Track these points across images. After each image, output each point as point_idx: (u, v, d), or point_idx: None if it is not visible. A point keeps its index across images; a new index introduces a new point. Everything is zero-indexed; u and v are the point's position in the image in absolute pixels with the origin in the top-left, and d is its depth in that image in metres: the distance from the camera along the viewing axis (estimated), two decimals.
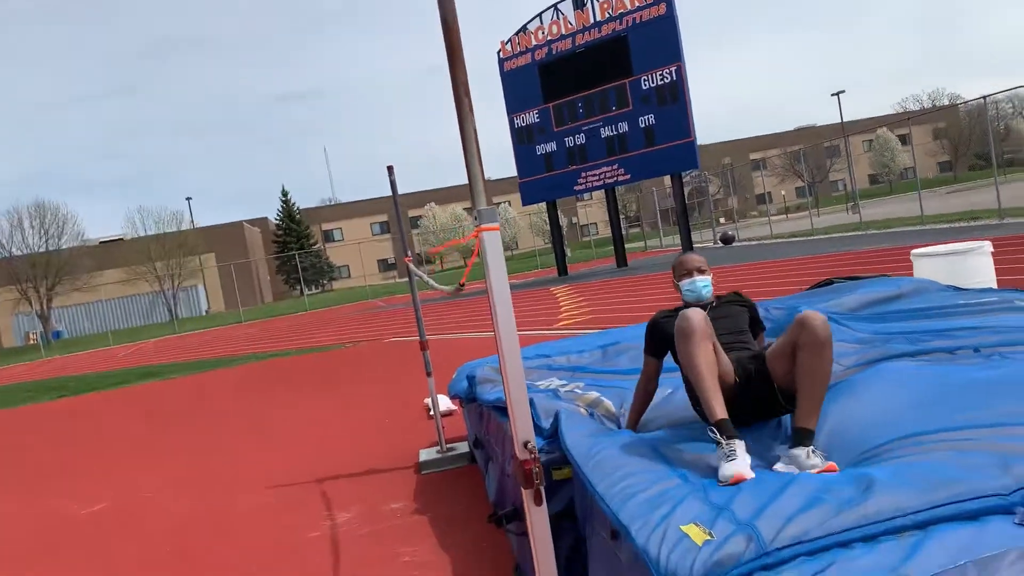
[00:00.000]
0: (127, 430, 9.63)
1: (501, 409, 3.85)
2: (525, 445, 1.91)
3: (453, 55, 1.85)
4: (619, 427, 3.45)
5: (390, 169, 5.29)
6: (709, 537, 1.82)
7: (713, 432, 2.42)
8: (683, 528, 1.88)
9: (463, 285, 2.97)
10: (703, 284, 3.26)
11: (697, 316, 2.69)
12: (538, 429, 3.08)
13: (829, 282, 6.17)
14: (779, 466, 2.40)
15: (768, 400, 2.79)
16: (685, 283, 3.30)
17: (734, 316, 3.23)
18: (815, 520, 1.78)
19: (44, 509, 6.08)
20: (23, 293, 48.64)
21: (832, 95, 58.15)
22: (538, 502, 1.89)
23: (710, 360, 2.63)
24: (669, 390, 3.62)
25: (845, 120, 52.68)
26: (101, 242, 59.13)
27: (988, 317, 3.88)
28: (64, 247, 50.70)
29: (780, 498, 1.93)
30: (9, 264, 48.61)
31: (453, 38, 1.81)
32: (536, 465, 1.89)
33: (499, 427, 3.83)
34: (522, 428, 1.93)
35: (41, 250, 49.58)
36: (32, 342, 51.16)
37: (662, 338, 3.24)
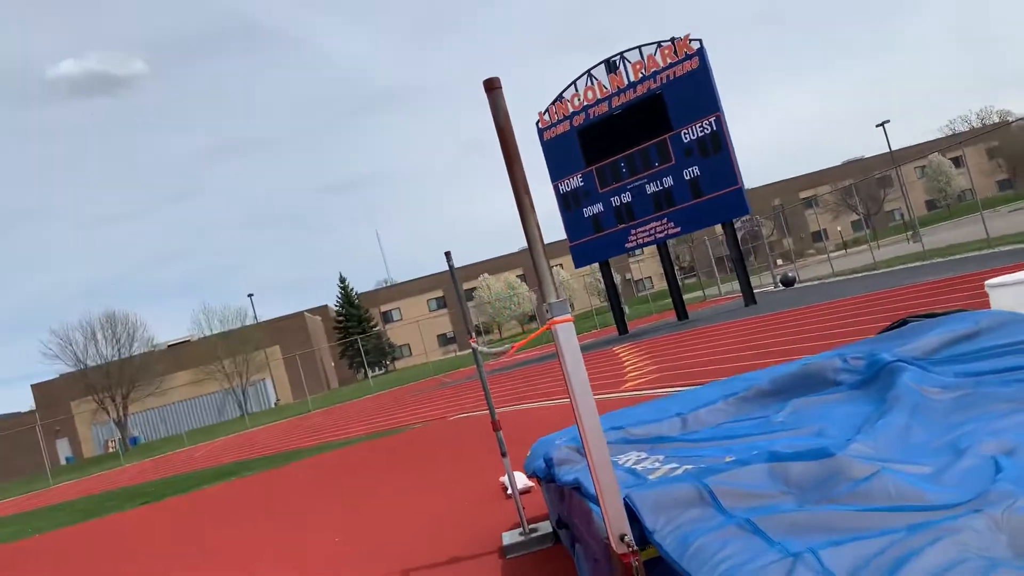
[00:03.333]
0: (206, 537, 9.72)
1: (582, 491, 3.77)
2: (622, 538, 1.86)
3: (510, 158, 1.89)
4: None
5: (448, 255, 5.37)
6: None
7: None
8: None
9: (514, 349, 3.13)
10: None
11: None
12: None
13: (903, 322, 5.98)
14: None
15: None
16: None
17: None
18: None
19: None
20: (100, 403, 50.18)
21: (877, 126, 57.56)
22: None
23: None
24: (730, 457, 3.51)
25: (894, 149, 51.88)
26: (169, 345, 60.92)
27: None
28: (136, 353, 52.34)
29: (910, 560, 1.82)
30: (84, 376, 50.33)
31: (509, 143, 1.84)
32: (636, 559, 1.83)
33: (582, 509, 3.75)
34: (616, 521, 1.89)
35: (114, 359, 51.26)
36: (111, 450, 52.50)
37: None
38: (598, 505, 3.56)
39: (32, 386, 60.85)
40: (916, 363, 3.93)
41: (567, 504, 4.30)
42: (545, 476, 4.75)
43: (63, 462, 56.38)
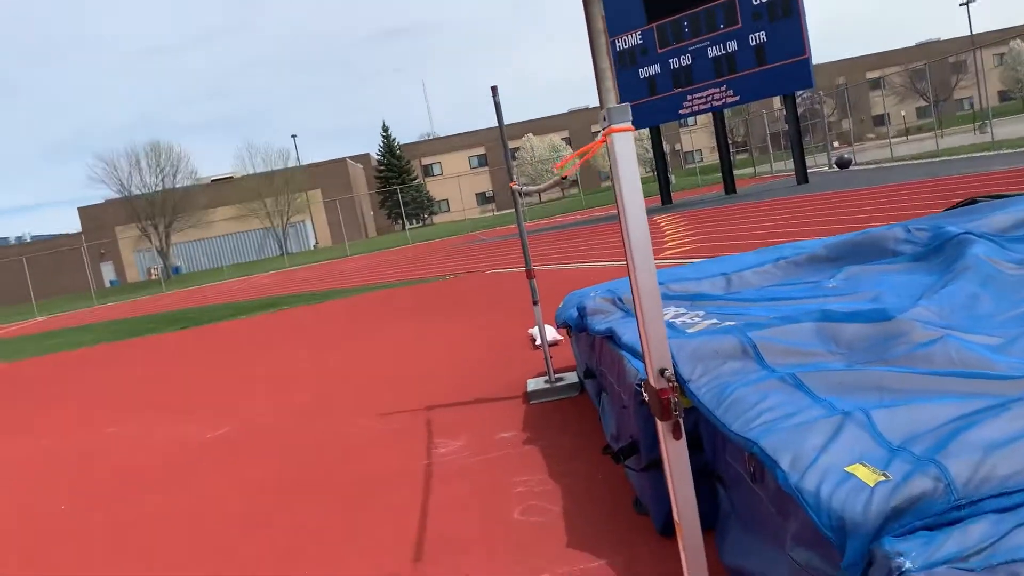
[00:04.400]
0: (246, 359, 9.96)
1: (614, 340, 3.66)
2: (662, 373, 1.71)
3: None
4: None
5: (494, 90, 5.07)
6: (883, 478, 1.53)
7: None
8: (848, 469, 1.63)
9: (565, 177, 3.03)
10: None
11: None
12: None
13: (972, 201, 5.63)
14: None
15: None
16: None
17: None
18: (1018, 460, 1.50)
19: (170, 434, 6.32)
20: (143, 231, 51.32)
21: (960, 5, 53.84)
22: (677, 436, 1.70)
23: None
24: (773, 315, 3.33)
25: (974, 32, 48.68)
26: (213, 180, 61.39)
27: None
28: (179, 185, 52.98)
29: (970, 428, 1.65)
30: (129, 203, 51.26)
31: None
32: (674, 395, 1.69)
33: (614, 358, 3.64)
34: (657, 354, 1.73)
35: (157, 188, 51.96)
36: (154, 277, 54.10)
37: None
38: (631, 353, 3.45)
39: (79, 209, 62.21)
40: (987, 237, 3.65)
41: (597, 353, 4.20)
42: (577, 326, 4.64)
43: (107, 285, 58.37)
